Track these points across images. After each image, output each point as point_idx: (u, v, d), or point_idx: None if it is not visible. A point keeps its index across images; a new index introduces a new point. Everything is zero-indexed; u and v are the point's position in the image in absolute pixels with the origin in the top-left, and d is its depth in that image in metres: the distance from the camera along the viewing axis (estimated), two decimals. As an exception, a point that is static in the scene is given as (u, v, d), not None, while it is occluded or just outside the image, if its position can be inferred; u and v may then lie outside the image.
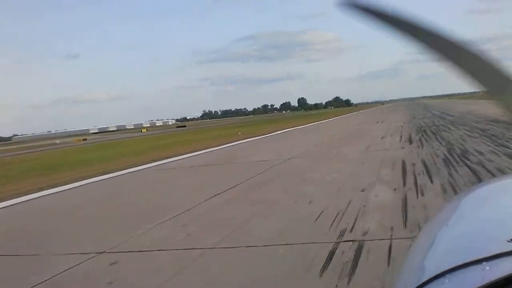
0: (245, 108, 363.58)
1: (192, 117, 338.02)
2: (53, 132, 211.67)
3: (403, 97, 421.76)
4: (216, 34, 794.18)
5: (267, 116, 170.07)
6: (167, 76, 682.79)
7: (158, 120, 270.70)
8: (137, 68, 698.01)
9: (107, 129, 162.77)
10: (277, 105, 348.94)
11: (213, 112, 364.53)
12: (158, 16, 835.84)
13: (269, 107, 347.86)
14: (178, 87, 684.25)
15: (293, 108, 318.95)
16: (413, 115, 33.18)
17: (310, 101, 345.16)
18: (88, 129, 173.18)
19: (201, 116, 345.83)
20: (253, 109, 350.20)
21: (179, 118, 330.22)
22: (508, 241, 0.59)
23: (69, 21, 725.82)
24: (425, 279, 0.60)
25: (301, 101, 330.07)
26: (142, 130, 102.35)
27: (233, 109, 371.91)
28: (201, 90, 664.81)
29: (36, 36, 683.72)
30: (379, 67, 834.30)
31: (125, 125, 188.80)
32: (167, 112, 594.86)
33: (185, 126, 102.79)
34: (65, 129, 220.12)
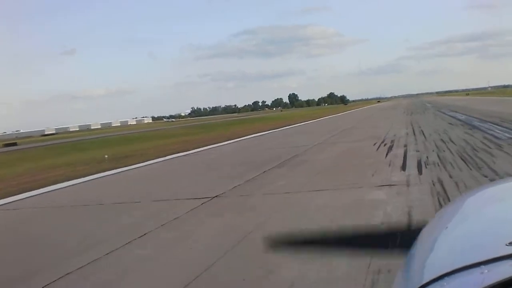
0: (235, 105, 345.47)
1: (184, 115, 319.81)
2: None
3: (403, 94, 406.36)
4: (214, 29, 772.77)
5: (241, 115, 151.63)
6: (165, 72, 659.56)
7: (144, 117, 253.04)
8: (134, 64, 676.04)
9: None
10: (270, 102, 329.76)
11: (202, 109, 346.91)
12: (155, 9, 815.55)
13: (260, 104, 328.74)
14: (177, 83, 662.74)
15: (284, 105, 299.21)
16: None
17: (305, 97, 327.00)
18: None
19: (189, 114, 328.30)
20: (243, 106, 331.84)
21: (171, 114, 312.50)
22: (507, 245, 0.59)
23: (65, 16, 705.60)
24: (424, 281, 0.60)
25: (292, 98, 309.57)
26: None
27: (222, 105, 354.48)
28: (200, 86, 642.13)
29: (29, 30, 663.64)
30: (379, 63, 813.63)
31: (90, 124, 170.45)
32: (164, 108, 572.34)
33: (15, 144, 63.34)
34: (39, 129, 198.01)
